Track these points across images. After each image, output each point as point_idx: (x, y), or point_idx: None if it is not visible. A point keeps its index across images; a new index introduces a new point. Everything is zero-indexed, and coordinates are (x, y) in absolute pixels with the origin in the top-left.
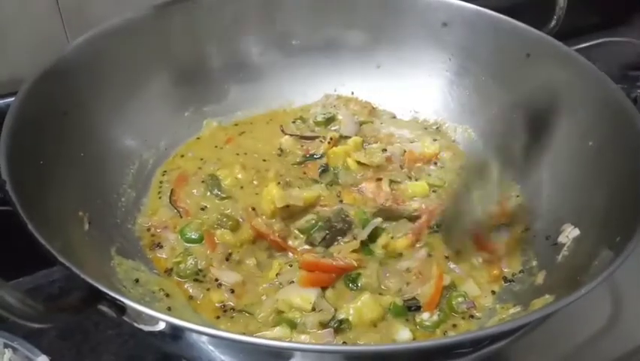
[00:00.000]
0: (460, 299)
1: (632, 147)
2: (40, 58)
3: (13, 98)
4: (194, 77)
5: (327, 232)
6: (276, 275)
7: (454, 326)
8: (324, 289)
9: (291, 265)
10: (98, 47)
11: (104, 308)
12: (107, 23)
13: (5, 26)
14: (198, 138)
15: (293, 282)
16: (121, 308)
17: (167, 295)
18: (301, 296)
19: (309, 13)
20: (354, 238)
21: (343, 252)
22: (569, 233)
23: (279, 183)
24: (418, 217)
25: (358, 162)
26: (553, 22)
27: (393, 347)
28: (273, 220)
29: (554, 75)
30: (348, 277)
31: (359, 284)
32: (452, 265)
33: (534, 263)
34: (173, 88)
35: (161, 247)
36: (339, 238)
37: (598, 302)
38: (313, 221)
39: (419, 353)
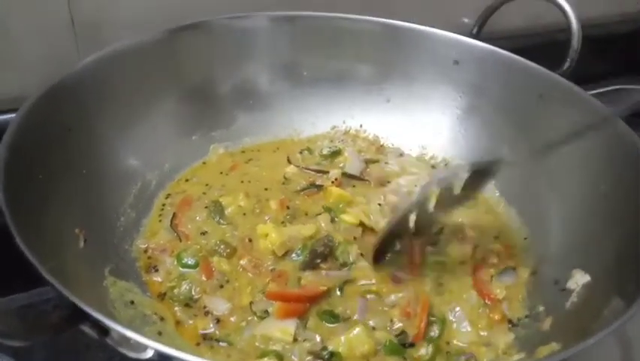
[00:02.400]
0: (458, 358)
1: None
2: (51, 75)
3: None
4: (203, 101)
5: (308, 255)
6: (250, 303)
7: None
8: (302, 319)
9: (263, 293)
10: (108, 66)
11: (86, 329)
12: (119, 44)
13: (18, 40)
14: (204, 163)
15: (268, 312)
16: (104, 330)
17: (162, 319)
18: (280, 329)
19: (321, 44)
20: (336, 260)
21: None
22: (579, 279)
23: (282, 222)
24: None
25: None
26: (567, 64)
27: None
28: (269, 256)
29: (567, 117)
30: (324, 312)
31: (338, 316)
32: (453, 306)
33: (541, 308)
34: (181, 111)
35: (157, 270)
36: (318, 260)
37: (607, 349)
38: (300, 246)
39: None
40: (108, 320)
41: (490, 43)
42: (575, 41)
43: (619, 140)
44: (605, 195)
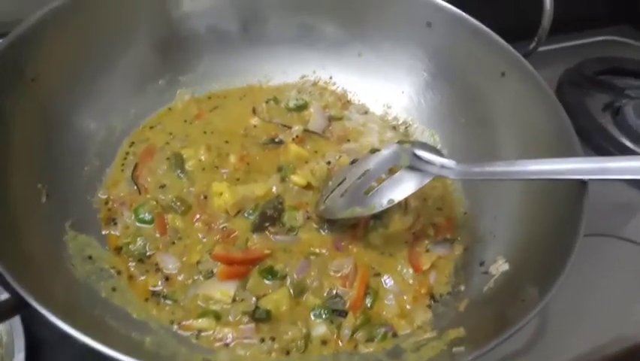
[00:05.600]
0: (379, 330)
1: (574, 190)
2: (21, 4)
3: None
4: (172, 44)
5: (258, 216)
6: (197, 263)
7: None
8: (243, 279)
9: (211, 253)
10: (75, 11)
11: None
12: None
13: None
14: (169, 109)
15: (213, 272)
16: None
17: (119, 273)
18: (221, 291)
19: None
20: (282, 226)
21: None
22: (500, 266)
23: (238, 178)
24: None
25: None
26: (534, 44)
27: None
28: (222, 214)
29: (523, 102)
30: (264, 269)
31: (277, 275)
32: (385, 278)
33: (462, 288)
34: (150, 54)
35: (116, 223)
36: (267, 223)
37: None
38: (252, 206)
39: None
40: (52, 315)
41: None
42: (546, 21)
43: (562, 136)
44: (541, 188)
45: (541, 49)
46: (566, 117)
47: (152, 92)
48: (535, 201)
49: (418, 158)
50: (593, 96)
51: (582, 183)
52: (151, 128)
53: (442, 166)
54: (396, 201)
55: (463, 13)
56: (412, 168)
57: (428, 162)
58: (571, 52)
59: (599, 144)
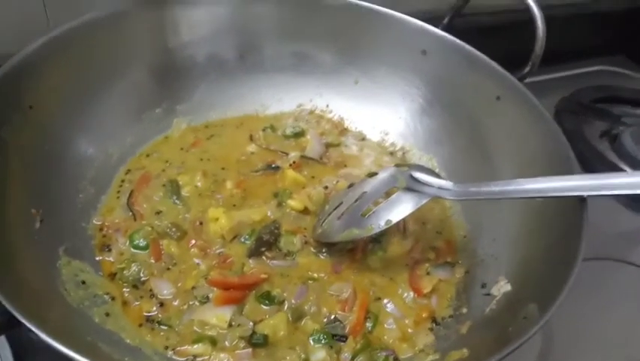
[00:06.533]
0: (379, 354)
1: (573, 208)
2: (19, 36)
3: None
4: (169, 73)
5: (254, 241)
6: (192, 288)
7: None
8: (240, 304)
9: (206, 278)
10: (73, 39)
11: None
12: (88, 14)
13: None
14: (166, 138)
15: (208, 297)
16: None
17: (113, 299)
18: (216, 316)
19: (290, 24)
20: (279, 251)
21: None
22: (502, 287)
23: (234, 204)
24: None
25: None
26: (528, 68)
27: None
28: (218, 240)
29: (519, 124)
30: (261, 295)
31: (275, 300)
32: (386, 302)
33: (464, 310)
34: (147, 83)
35: (110, 250)
36: (263, 248)
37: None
38: (248, 231)
39: None
40: (41, 332)
41: (472, 18)
42: (538, 47)
43: (558, 159)
44: (538, 206)
45: (537, 78)
46: (562, 136)
47: (149, 120)
48: (535, 220)
49: (415, 180)
50: (590, 123)
51: (581, 200)
52: (147, 156)
53: (440, 187)
54: (394, 221)
55: (457, 40)
56: (409, 189)
57: (425, 184)
58: (567, 82)
59: (597, 171)
